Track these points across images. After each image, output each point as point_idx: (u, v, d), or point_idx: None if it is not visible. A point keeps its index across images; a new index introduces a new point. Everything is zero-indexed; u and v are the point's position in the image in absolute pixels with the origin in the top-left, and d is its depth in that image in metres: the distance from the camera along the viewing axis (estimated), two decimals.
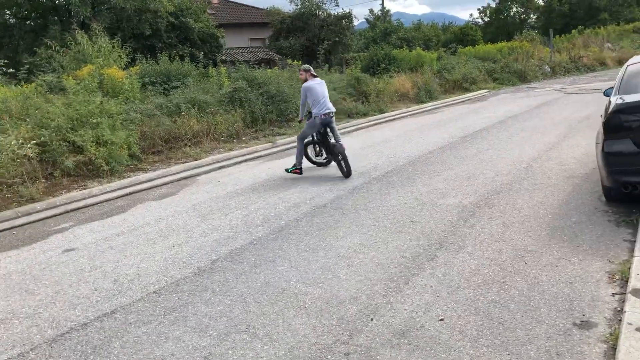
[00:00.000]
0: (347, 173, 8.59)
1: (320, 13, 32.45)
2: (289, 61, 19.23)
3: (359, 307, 4.16)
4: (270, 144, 12.39)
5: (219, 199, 7.93)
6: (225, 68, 15.80)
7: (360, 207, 6.88)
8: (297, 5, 32.26)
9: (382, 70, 21.18)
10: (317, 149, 9.56)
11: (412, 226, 5.94)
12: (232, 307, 4.31)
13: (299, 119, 9.92)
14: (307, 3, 32.00)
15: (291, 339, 3.78)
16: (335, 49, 31.76)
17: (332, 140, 8.94)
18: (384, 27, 36.78)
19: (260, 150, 11.86)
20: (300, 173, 9.03)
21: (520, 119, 13.54)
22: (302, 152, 9.16)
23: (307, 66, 9.21)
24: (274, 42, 32.29)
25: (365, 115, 16.42)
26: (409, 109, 17.77)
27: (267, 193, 8.08)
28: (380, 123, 15.55)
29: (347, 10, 32.91)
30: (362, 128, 14.85)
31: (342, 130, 14.36)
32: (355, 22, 34.77)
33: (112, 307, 4.48)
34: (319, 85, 8.76)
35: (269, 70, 16.15)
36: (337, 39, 31.63)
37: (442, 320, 3.86)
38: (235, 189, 8.53)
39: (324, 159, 9.54)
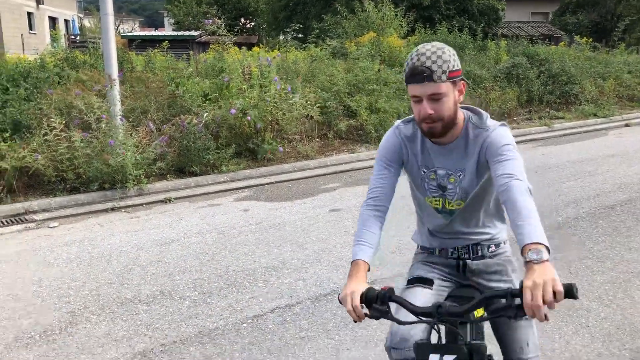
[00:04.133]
0: None
1: None
2: (577, 38, 17.27)
3: None
4: (546, 127, 11.30)
5: None
6: (505, 42, 14.84)
7: None
8: None
9: None
10: None
11: None
12: None
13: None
14: None
15: None
16: (633, 28, 27.67)
17: None
18: None
19: (533, 133, 10.90)
20: None
21: None
22: None
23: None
24: (559, 18, 29.54)
25: None
26: None
27: (541, 182, 7.29)
28: None
29: None
30: None
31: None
32: None
33: (371, 279, 4.42)
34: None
35: (553, 46, 14.71)
36: (638, 16, 27.48)
37: None
38: None
39: None
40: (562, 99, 13.15)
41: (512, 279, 2.15)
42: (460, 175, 2.07)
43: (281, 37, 26.57)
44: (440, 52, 1.87)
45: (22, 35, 28.98)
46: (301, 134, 9.28)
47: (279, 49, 14.38)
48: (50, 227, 5.89)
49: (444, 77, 1.86)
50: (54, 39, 14.00)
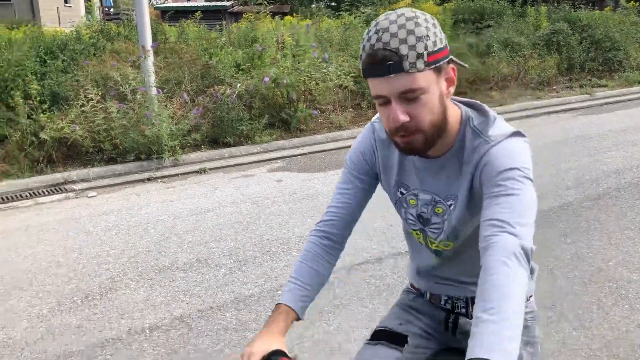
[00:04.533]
0: None
1: None
2: (623, 2, 16.55)
3: None
4: (587, 95, 10.93)
5: None
6: (546, 7, 14.34)
7: None
8: None
9: None
10: None
11: None
12: (539, 277, 3.82)
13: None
14: None
15: (608, 332, 3.16)
16: None
17: None
18: None
19: (573, 102, 10.54)
20: None
21: None
22: None
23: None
24: None
25: None
26: None
27: (580, 152, 7.09)
28: None
29: None
30: None
31: None
32: None
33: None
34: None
35: (597, 11, 14.14)
36: None
37: None
38: (544, 142, 7.70)
39: None
40: (604, 66, 12.67)
41: (522, 355, 1.43)
42: (451, 204, 1.38)
43: (313, 6, 26.28)
44: (411, 25, 1.16)
45: (57, 8, 29.38)
46: (334, 104, 9.20)
47: (311, 18, 14.23)
48: (89, 197, 6.02)
49: (420, 64, 1.16)
50: (89, 11, 14.14)
